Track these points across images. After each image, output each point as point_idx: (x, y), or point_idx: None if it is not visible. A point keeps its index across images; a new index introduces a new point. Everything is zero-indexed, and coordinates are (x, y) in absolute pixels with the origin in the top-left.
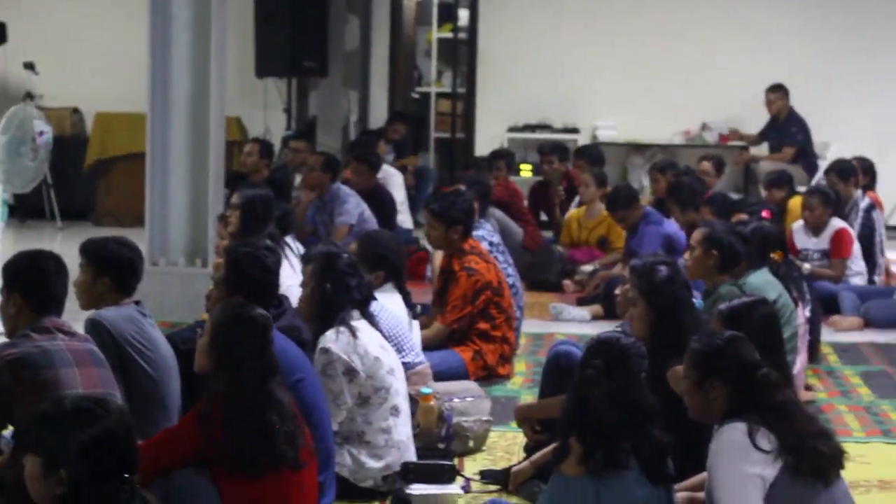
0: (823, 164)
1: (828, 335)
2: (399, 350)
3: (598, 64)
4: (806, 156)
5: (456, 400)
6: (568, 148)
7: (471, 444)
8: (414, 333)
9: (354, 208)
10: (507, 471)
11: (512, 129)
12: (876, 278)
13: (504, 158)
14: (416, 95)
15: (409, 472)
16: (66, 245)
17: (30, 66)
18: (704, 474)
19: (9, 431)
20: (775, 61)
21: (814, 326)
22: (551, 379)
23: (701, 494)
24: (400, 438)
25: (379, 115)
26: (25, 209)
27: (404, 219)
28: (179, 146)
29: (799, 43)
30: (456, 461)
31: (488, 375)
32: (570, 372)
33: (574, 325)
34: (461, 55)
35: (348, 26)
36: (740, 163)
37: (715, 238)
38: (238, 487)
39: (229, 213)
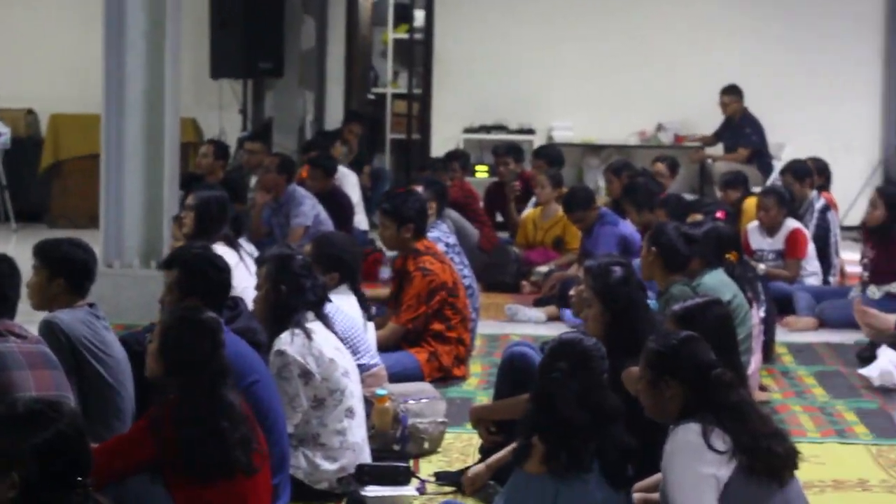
0: (778, 165)
1: (782, 335)
2: (354, 352)
3: (554, 65)
4: (761, 156)
5: (411, 401)
6: (523, 149)
7: (426, 445)
8: (369, 335)
9: (310, 210)
10: (462, 472)
11: (468, 130)
12: (831, 279)
13: (459, 159)
14: (371, 96)
15: (364, 474)
16: (20, 247)
17: None
18: (659, 475)
19: None
20: (730, 62)
21: (768, 327)
22: (506, 380)
23: (655, 495)
24: (355, 440)
25: (335, 115)
26: None
27: (360, 220)
28: (134, 148)
29: (753, 44)
30: (411, 463)
31: (444, 377)
32: (524, 373)
33: (530, 326)
34: (417, 56)
35: (304, 27)
36: (696, 160)
37: (655, 237)
38: (191, 493)
39: (184, 214)
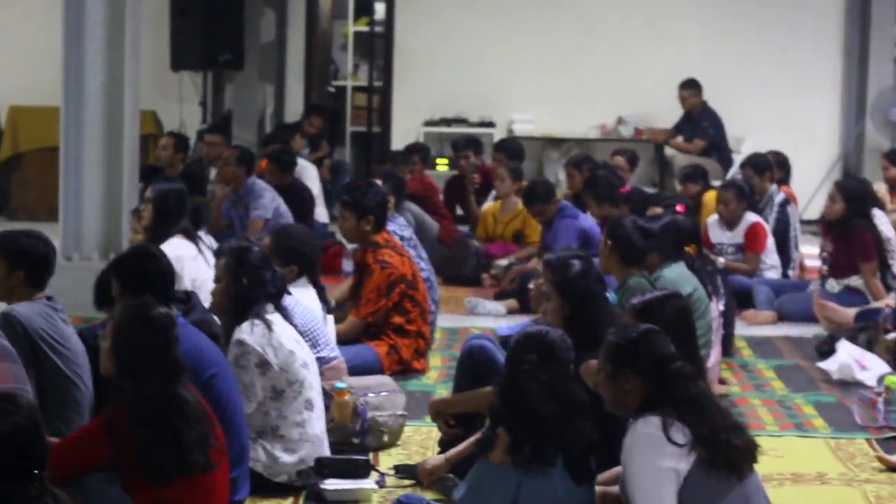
0: (738, 159)
1: (742, 329)
2: (314, 345)
3: (515, 58)
4: (720, 150)
5: (371, 395)
6: (482, 142)
7: (385, 438)
8: (329, 328)
9: (270, 202)
10: (421, 465)
11: (428, 123)
12: (790, 272)
13: (419, 152)
14: (332, 89)
15: (324, 467)
16: None
17: None
18: (619, 468)
19: None
20: (689, 56)
21: (728, 320)
22: (466, 373)
23: (615, 488)
24: (314, 432)
25: (295, 108)
26: None
27: (320, 212)
28: (93, 140)
29: (712, 38)
30: (370, 456)
31: (403, 370)
32: (484, 366)
33: (489, 319)
34: (377, 49)
35: (264, 19)
36: (663, 142)
37: (611, 231)
38: (149, 494)
39: (143, 207)
